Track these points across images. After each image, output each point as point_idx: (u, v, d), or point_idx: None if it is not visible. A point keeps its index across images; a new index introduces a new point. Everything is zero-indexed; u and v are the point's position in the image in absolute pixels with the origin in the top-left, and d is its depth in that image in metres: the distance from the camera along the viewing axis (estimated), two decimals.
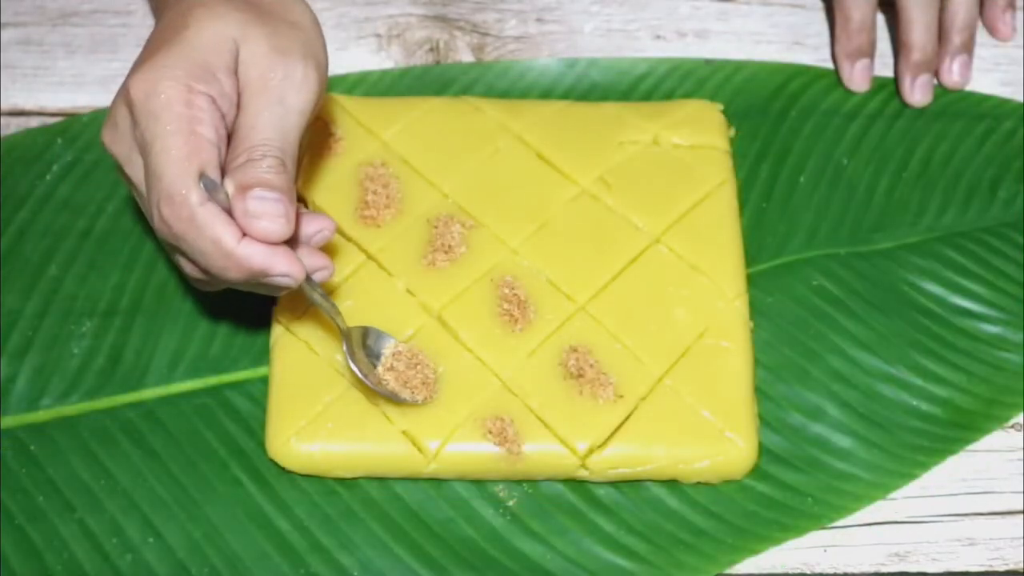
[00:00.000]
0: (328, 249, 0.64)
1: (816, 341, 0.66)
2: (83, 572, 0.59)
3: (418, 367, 0.62)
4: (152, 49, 0.56)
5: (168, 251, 0.59)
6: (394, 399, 0.61)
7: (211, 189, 0.54)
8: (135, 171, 0.56)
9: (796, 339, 0.67)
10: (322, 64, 0.58)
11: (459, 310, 0.64)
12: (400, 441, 0.61)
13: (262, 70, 0.56)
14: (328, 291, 0.64)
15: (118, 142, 0.57)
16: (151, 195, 0.55)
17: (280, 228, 0.54)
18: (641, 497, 0.62)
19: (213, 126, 0.55)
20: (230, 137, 0.56)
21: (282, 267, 0.55)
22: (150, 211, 0.56)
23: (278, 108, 0.56)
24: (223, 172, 0.55)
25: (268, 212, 0.54)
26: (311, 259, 0.58)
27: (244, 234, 0.54)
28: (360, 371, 0.60)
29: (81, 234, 0.68)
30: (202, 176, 0.54)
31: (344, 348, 0.60)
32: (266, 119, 0.55)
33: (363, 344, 0.61)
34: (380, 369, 0.61)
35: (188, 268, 0.58)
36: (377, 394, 0.61)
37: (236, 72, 0.56)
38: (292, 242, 0.57)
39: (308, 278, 0.57)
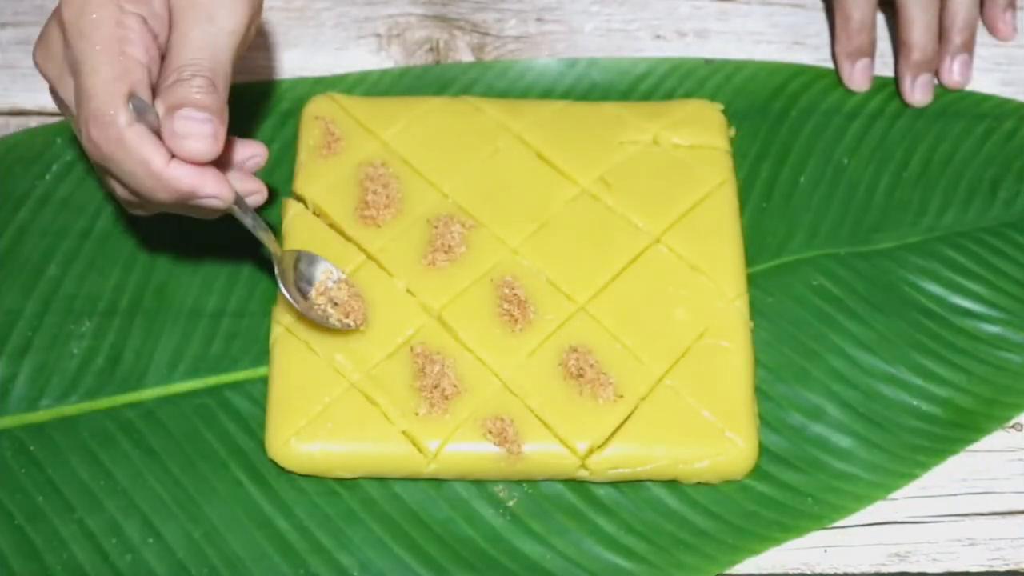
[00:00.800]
0: (328, 249, 0.65)
1: (816, 341, 0.66)
2: (83, 572, 0.59)
3: (351, 295, 0.63)
4: None
5: (99, 173, 0.59)
6: (324, 324, 0.61)
7: (141, 110, 0.54)
8: (66, 92, 0.57)
9: (796, 339, 0.67)
10: None
11: (459, 310, 0.64)
12: (400, 441, 0.61)
13: None
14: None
15: (50, 62, 0.57)
16: (80, 115, 0.55)
17: (207, 148, 0.54)
18: (641, 497, 0.62)
19: (143, 46, 0.55)
20: (163, 58, 0.56)
21: (211, 188, 0.55)
22: (79, 131, 0.55)
23: (208, 27, 0.56)
24: (155, 93, 0.55)
25: (194, 132, 0.54)
26: (243, 183, 0.59)
27: (173, 156, 0.54)
28: (290, 296, 0.60)
29: (81, 234, 0.68)
30: (131, 97, 0.54)
31: (276, 272, 0.61)
32: (195, 38, 0.55)
33: (295, 268, 0.62)
34: (313, 293, 0.62)
35: (119, 190, 0.58)
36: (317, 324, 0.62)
37: None
38: (225, 167, 0.57)
39: (240, 201, 0.58)
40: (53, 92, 0.58)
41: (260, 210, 0.62)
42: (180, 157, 0.54)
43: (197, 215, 0.59)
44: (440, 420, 0.61)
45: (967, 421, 0.64)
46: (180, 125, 0.54)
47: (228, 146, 0.58)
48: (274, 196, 0.68)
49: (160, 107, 0.55)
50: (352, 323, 0.62)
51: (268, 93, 0.74)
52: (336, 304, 0.62)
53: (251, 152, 0.60)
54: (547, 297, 0.64)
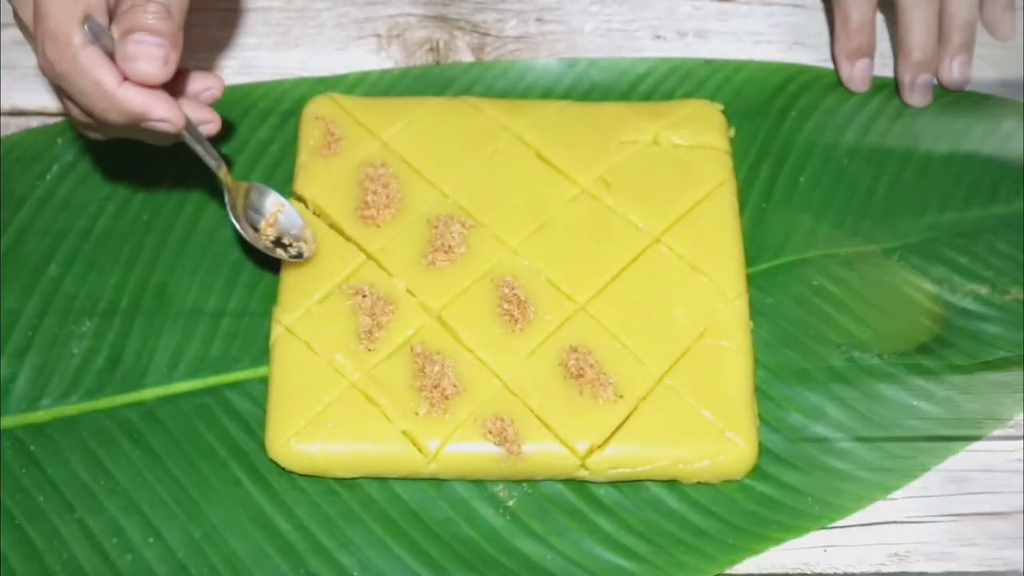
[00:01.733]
0: (328, 249, 0.65)
1: (816, 341, 0.66)
2: (83, 572, 0.59)
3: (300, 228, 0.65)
4: None
5: (57, 95, 0.62)
6: (270, 254, 0.64)
7: (97, 33, 0.56)
8: (26, 13, 0.59)
9: (796, 339, 0.67)
10: None
11: (459, 310, 0.64)
12: (400, 441, 0.61)
13: None
14: (327, 291, 0.64)
15: None
16: (37, 35, 0.57)
17: (155, 70, 0.56)
18: (641, 497, 0.62)
19: None
20: None
21: (160, 111, 0.57)
22: (37, 51, 0.58)
23: None
24: (113, 19, 0.57)
25: (144, 55, 0.56)
26: (197, 112, 0.61)
27: (125, 78, 0.56)
28: (240, 226, 0.63)
29: (81, 234, 0.68)
30: (87, 20, 0.56)
31: (226, 201, 0.63)
32: None
33: (247, 199, 0.65)
34: (262, 224, 0.65)
35: (74, 111, 0.60)
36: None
37: None
38: (179, 94, 0.60)
39: (192, 129, 0.60)
40: (14, 15, 0.60)
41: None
42: (130, 78, 0.57)
43: (151, 140, 0.61)
44: (440, 420, 0.61)
45: (967, 421, 0.65)
46: (131, 48, 0.56)
47: (183, 76, 0.61)
48: None
49: (116, 31, 0.57)
50: (296, 254, 0.64)
51: (268, 93, 0.74)
52: (283, 236, 0.65)
53: (207, 84, 0.62)
54: (547, 297, 0.64)
